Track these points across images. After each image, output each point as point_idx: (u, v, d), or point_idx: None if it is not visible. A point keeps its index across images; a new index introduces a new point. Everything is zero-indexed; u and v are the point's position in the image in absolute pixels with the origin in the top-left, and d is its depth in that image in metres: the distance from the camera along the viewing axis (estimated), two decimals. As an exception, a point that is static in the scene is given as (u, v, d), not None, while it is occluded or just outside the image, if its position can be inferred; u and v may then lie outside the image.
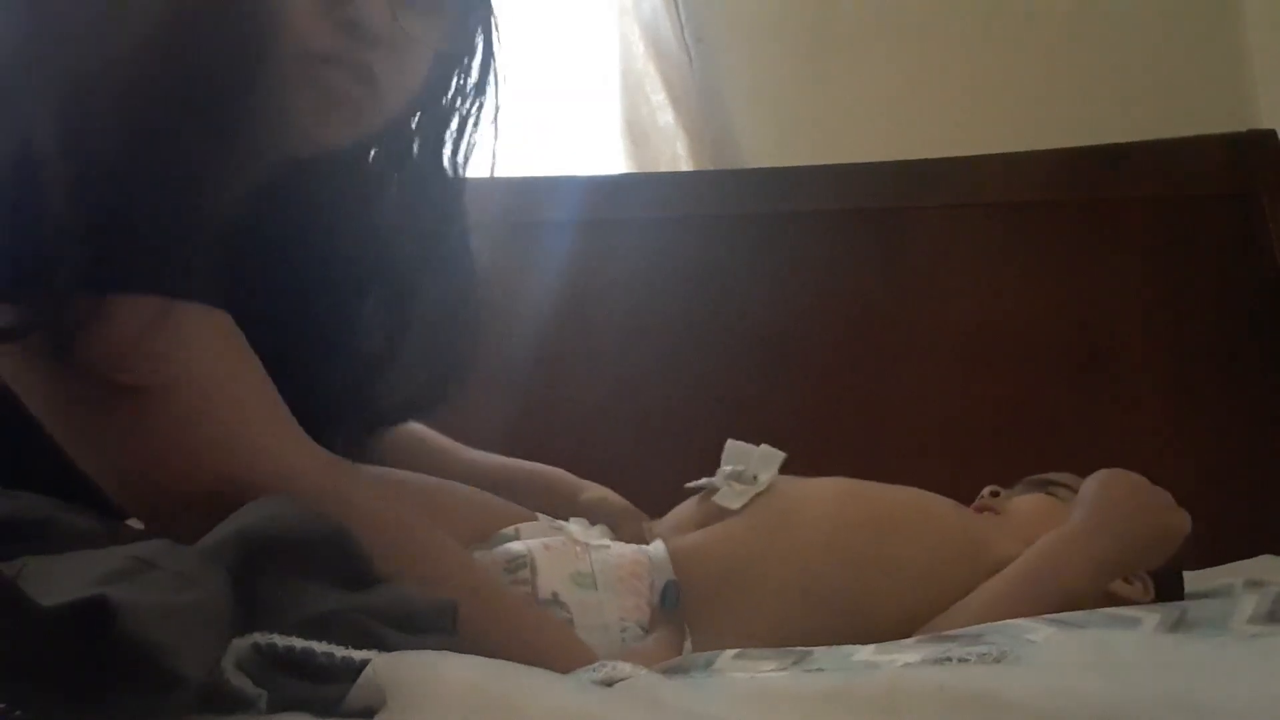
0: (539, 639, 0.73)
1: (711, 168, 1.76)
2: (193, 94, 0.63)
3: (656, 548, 0.88)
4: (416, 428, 1.02)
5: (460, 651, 0.57)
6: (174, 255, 0.63)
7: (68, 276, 0.60)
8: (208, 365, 0.65)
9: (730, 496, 0.94)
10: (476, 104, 0.83)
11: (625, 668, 0.63)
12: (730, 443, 0.99)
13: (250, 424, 0.66)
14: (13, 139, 0.61)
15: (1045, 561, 0.88)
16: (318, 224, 0.80)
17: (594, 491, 1.02)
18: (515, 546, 0.85)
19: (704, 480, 0.97)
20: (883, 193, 1.61)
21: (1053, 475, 1.12)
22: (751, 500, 0.93)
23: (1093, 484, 0.94)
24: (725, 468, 0.97)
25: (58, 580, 0.45)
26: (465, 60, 0.81)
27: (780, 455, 0.97)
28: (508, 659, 0.65)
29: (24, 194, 0.60)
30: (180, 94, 0.63)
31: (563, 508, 0.99)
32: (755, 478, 0.95)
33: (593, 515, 0.97)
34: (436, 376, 0.86)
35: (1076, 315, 1.55)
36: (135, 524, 0.69)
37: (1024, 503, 1.04)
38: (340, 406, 0.79)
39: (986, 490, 1.07)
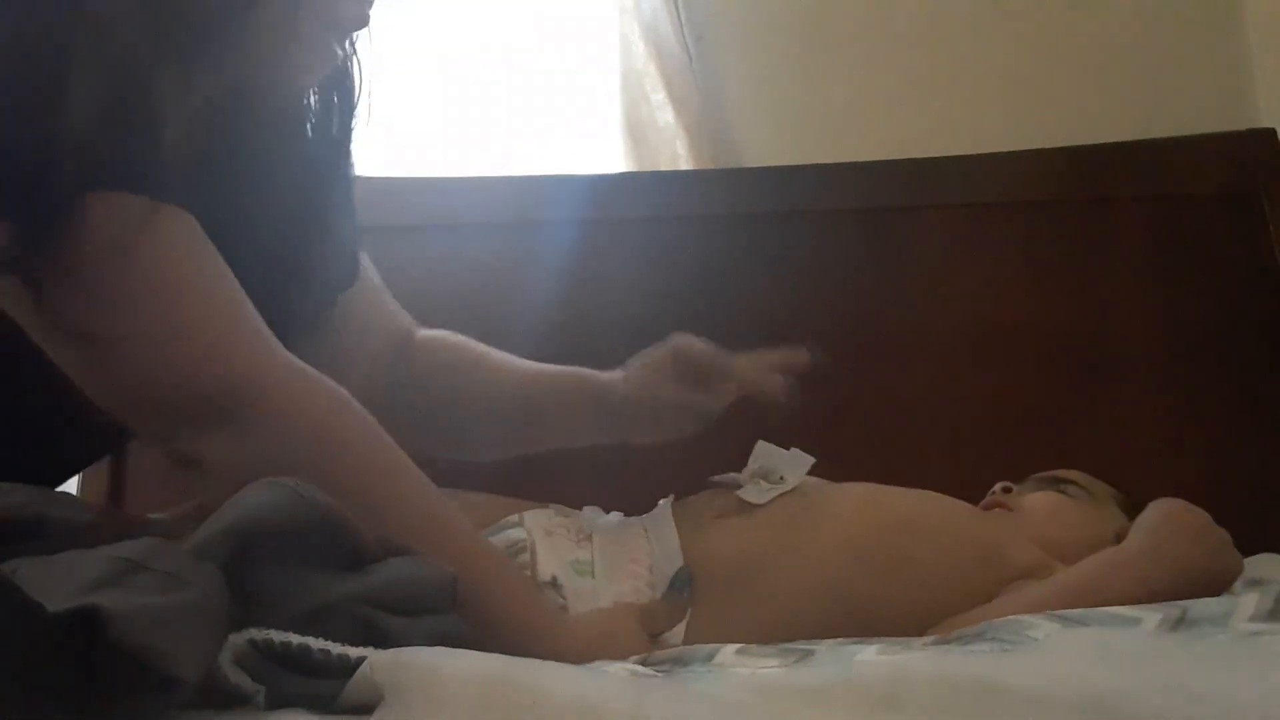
0: (497, 569, 0.73)
1: (711, 167, 1.76)
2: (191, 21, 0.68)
3: (668, 536, 0.88)
4: (453, 336, 1.05)
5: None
6: (156, 161, 0.66)
7: (59, 181, 0.63)
8: (188, 272, 0.68)
9: (755, 493, 0.94)
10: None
11: (624, 670, 0.63)
12: (760, 443, 1.00)
13: (232, 331, 0.69)
14: (12, 57, 0.64)
15: (1096, 580, 0.86)
16: (264, 140, 0.84)
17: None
18: (516, 532, 0.85)
19: (730, 475, 0.98)
20: (883, 193, 1.61)
21: (1062, 473, 1.11)
22: (776, 499, 0.94)
23: (1156, 512, 0.92)
24: (753, 466, 0.97)
25: (48, 586, 0.45)
26: None
27: (809, 459, 0.97)
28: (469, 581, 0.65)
29: (17, 111, 0.63)
30: (180, 18, 0.67)
31: (605, 400, 0.99)
32: (782, 479, 0.95)
33: (681, 358, 0.98)
34: (342, 256, 0.92)
35: (1076, 315, 1.55)
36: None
37: (1036, 500, 1.04)
38: (288, 273, 0.83)
39: (998, 486, 1.07)
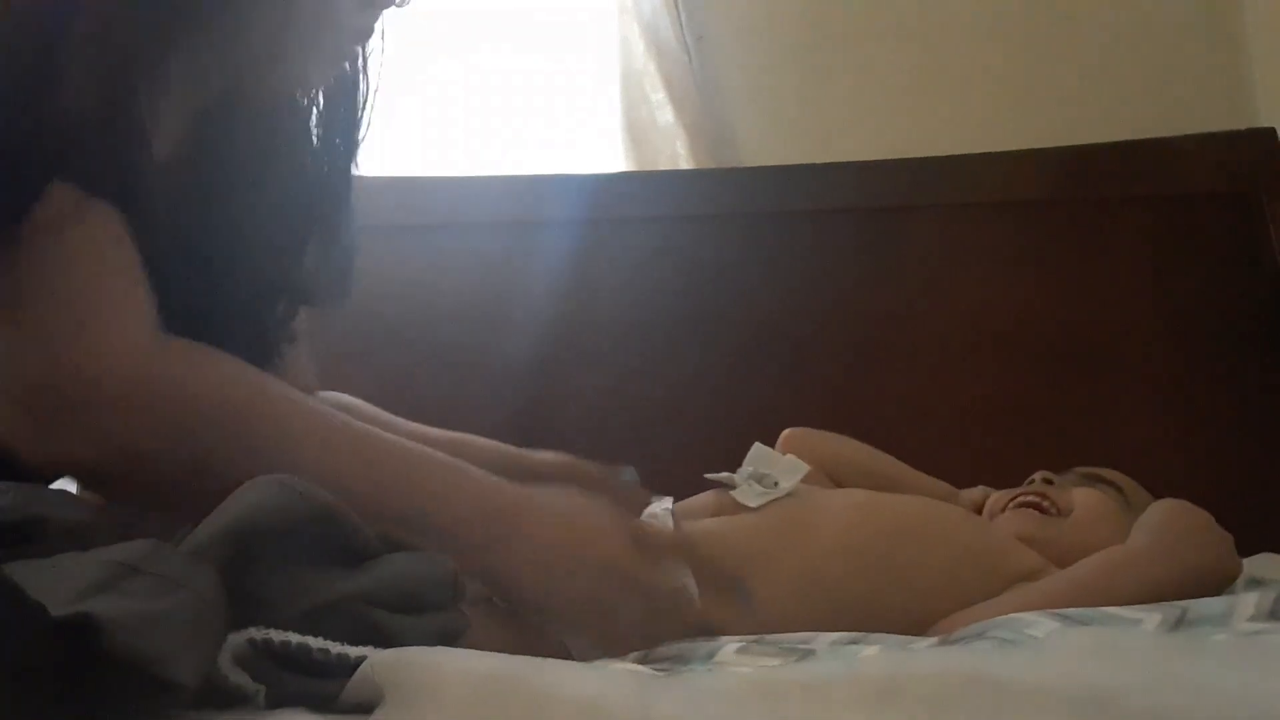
0: (413, 472, 0.72)
1: (711, 166, 1.76)
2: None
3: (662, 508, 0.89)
4: (355, 401, 1.01)
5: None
6: (136, 164, 0.68)
7: (37, 170, 0.64)
8: (77, 262, 0.67)
9: (749, 495, 0.94)
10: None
11: (625, 668, 0.63)
12: (756, 446, 0.99)
13: (99, 316, 0.67)
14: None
15: (1100, 577, 0.86)
16: (258, 150, 0.84)
17: (554, 456, 1.00)
18: None
19: (724, 474, 0.97)
20: (883, 193, 1.61)
21: (1109, 474, 1.09)
22: (770, 503, 0.93)
23: (1160, 511, 0.92)
24: (747, 468, 0.97)
25: (41, 591, 0.45)
26: None
27: (804, 467, 0.97)
28: (380, 501, 0.66)
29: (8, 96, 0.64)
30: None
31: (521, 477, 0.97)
32: (776, 483, 0.95)
33: (559, 477, 0.95)
34: (335, 271, 0.92)
35: (1076, 315, 1.55)
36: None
37: (1081, 497, 1.01)
38: (276, 283, 0.85)
39: (1038, 476, 1.05)
